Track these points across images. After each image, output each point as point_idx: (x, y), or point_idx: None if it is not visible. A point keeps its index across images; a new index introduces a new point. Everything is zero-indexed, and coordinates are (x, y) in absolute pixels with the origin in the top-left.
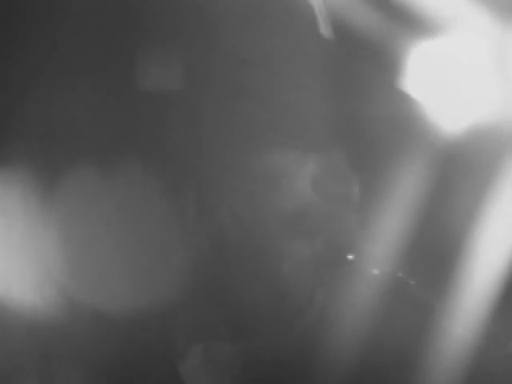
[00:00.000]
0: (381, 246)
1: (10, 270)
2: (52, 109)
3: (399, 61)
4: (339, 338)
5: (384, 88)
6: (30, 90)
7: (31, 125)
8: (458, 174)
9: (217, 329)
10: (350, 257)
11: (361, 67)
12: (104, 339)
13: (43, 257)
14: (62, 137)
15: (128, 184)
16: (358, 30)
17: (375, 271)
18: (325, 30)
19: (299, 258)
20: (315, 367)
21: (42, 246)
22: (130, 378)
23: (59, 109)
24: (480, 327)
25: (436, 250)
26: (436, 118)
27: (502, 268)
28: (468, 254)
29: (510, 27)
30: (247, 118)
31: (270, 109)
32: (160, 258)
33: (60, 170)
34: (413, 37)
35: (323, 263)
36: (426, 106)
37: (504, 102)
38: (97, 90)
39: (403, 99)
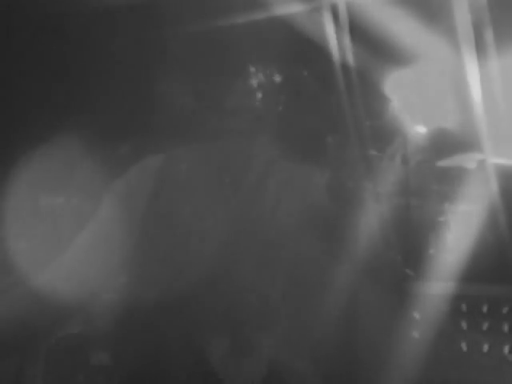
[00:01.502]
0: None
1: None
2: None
3: (377, 81)
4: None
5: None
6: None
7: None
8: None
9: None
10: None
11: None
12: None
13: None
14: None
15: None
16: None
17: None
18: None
19: (312, 254)
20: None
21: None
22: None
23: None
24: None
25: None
26: (405, 125)
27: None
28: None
29: (464, 55)
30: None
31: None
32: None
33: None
34: (387, 63)
35: (338, 262)
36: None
37: (461, 115)
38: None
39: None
